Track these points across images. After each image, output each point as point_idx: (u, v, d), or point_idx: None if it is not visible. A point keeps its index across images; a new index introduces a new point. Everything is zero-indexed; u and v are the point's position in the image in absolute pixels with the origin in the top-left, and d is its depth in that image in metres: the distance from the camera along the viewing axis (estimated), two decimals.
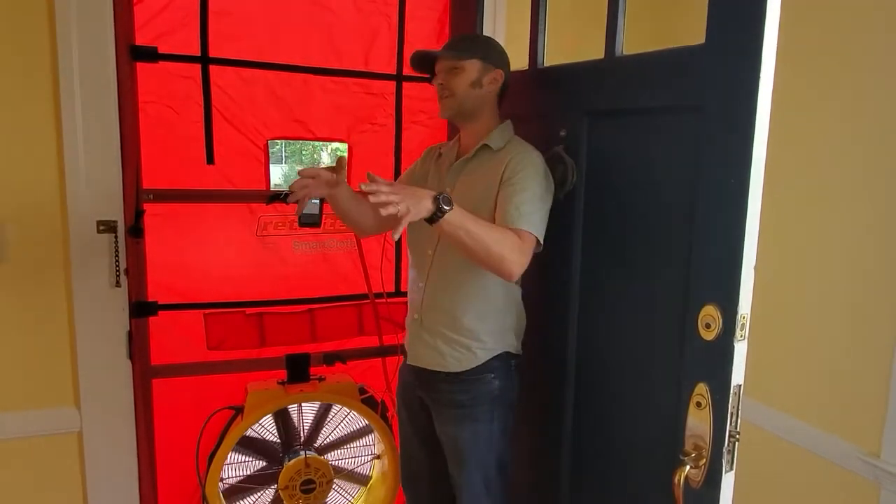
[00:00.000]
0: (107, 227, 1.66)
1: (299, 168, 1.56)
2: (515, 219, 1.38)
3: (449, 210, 1.26)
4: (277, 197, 1.86)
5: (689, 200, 1.25)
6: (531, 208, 1.40)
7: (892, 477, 1.48)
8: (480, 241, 1.32)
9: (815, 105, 1.69)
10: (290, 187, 1.49)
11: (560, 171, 1.54)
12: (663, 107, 1.34)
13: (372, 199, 1.19)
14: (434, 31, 2.02)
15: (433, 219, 1.26)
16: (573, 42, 1.79)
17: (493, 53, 1.55)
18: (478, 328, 1.52)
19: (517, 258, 1.35)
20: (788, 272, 1.76)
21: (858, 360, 1.59)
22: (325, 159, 11.06)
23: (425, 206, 1.24)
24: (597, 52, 1.48)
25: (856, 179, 1.59)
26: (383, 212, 1.20)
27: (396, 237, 1.25)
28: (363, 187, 1.23)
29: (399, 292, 2.11)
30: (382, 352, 2.07)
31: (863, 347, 1.58)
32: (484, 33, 1.98)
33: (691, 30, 1.29)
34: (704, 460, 1.20)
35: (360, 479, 2.15)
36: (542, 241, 1.42)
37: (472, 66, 1.51)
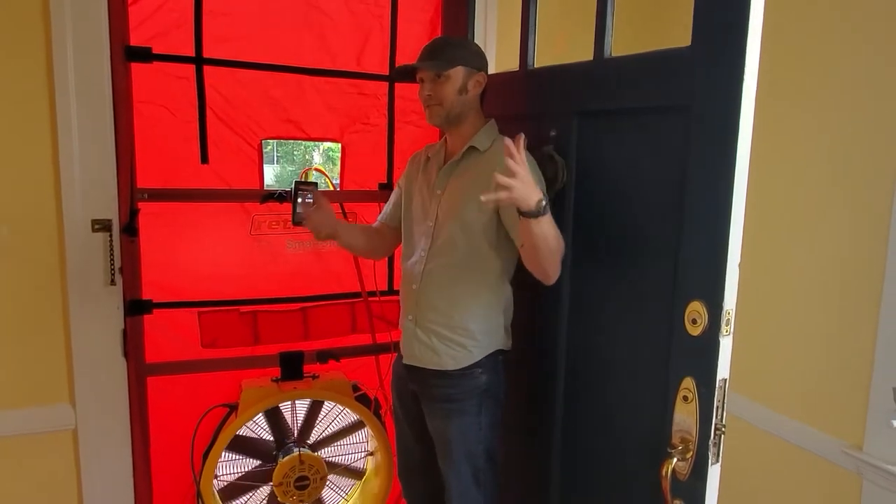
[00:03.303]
0: (102, 226, 1.67)
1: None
2: None
3: (546, 214, 1.30)
4: (271, 196, 1.88)
5: (676, 198, 1.27)
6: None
7: (875, 469, 1.51)
8: (556, 247, 1.37)
9: (799, 105, 1.72)
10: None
11: (551, 171, 1.56)
12: (651, 107, 1.36)
13: (502, 177, 1.22)
14: (426, 32, 2.04)
15: (531, 214, 1.28)
16: (561, 45, 1.82)
17: (474, 57, 1.57)
18: (473, 327, 1.55)
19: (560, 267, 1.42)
20: (772, 270, 1.79)
21: (841, 355, 1.63)
22: (317, 159, 11.08)
23: (533, 200, 1.27)
24: (584, 55, 1.50)
25: (839, 180, 1.63)
26: (499, 195, 1.23)
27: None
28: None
29: (392, 291, 2.13)
30: (375, 349, 2.09)
31: (845, 343, 1.61)
32: (475, 35, 2.00)
33: (679, 33, 1.32)
34: (691, 453, 1.22)
35: (354, 475, 2.17)
36: None
37: (458, 74, 1.54)
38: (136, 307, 1.77)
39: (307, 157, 11.63)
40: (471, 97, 1.56)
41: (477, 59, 1.57)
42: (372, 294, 2.06)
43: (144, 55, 1.70)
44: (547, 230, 1.34)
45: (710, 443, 1.21)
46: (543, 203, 1.29)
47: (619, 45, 1.47)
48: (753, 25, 1.12)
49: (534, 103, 1.69)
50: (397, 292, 2.12)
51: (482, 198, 1.25)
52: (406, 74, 1.60)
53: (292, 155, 12.20)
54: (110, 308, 1.71)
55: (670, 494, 1.23)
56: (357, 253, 1.87)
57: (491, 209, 1.50)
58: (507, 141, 1.25)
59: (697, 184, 1.22)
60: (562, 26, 1.97)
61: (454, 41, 1.66)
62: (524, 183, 1.25)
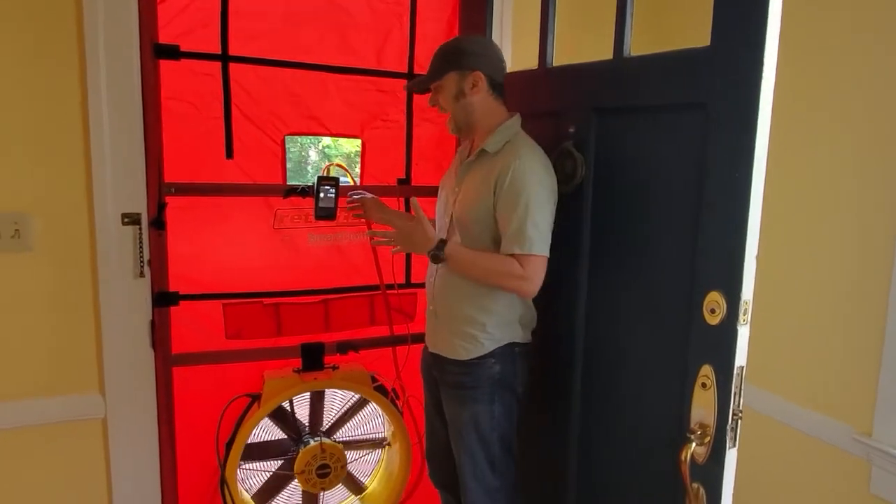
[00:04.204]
0: (131, 219, 1.70)
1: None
2: (516, 246, 1.48)
3: (442, 260, 1.55)
4: (294, 191, 1.92)
5: (694, 193, 1.32)
6: (529, 228, 1.47)
7: (884, 454, 1.57)
8: (482, 278, 1.55)
9: (813, 104, 1.76)
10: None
11: (569, 166, 1.61)
12: (669, 105, 1.41)
13: (373, 242, 1.69)
14: (443, 30, 2.08)
15: (434, 260, 1.57)
16: (570, 46, 1.86)
17: (464, 59, 1.56)
18: (485, 320, 1.59)
19: (522, 284, 1.49)
20: (784, 262, 1.83)
21: (850, 345, 1.67)
22: (313, 156, 11.09)
23: (419, 250, 1.59)
24: (589, 56, 1.56)
25: (850, 175, 1.67)
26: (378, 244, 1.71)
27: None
28: (372, 243, 1.75)
29: (409, 283, 2.18)
30: (393, 341, 2.13)
31: (855, 333, 1.66)
32: (492, 33, 2.04)
33: (680, 36, 1.37)
34: (709, 438, 1.27)
35: (372, 464, 2.22)
36: (547, 252, 1.50)
37: (450, 81, 1.58)
38: (163, 299, 1.80)
39: (303, 153, 11.63)
40: (475, 99, 1.57)
41: (468, 60, 1.56)
42: (390, 287, 2.10)
43: (173, 53, 1.73)
44: (466, 270, 1.56)
45: (727, 428, 1.25)
46: (435, 251, 1.55)
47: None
48: (772, 26, 1.17)
49: (553, 100, 1.73)
50: (414, 285, 2.17)
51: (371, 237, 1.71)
52: (420, 90, 1.70)
53: (288, 152, 12.19)
54: (139, 300, 1.75)
55: (689, 478, 1.28)
56: None
57: (490, 211, 1.54)
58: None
59: (717, 179, 1.26)
60: (567, 30, 2.01)
61: (444, 48, 1.63)
62: (402, 236, 1.60)
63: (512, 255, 1.49)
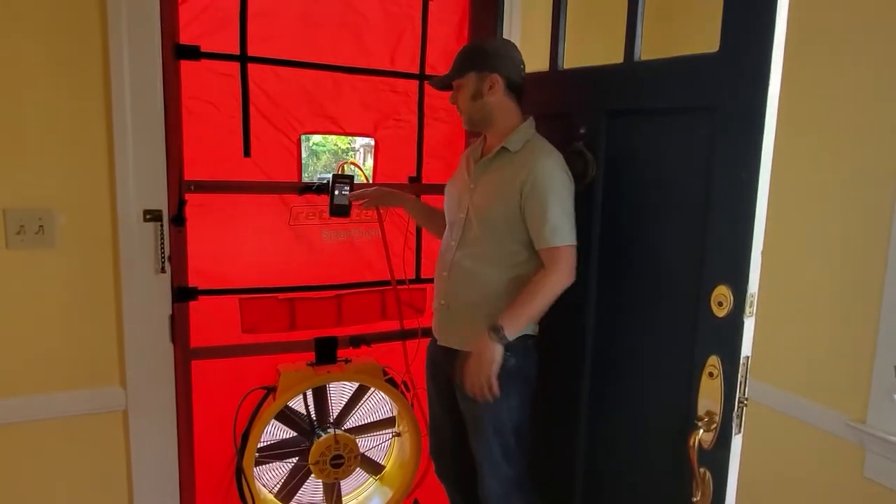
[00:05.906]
0: (152, 216, 1.74)
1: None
2: (551, 239, 1.56)
3: (507, 337, 1.55)
4: (310, 188, 1.96)
5: (702, 191, 1.38)
6: (560, 221, 1.56)
7: (877, 440, 1.64)
8: (540, 308, 1.57)
9: (818, 105, 1.82)
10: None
11: (581, 165, 1.67)
12: (679, 107, 1.47)
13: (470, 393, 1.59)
14: (454, 32, 2.13)
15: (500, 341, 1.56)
16: (577, 50, 1.91)
17: (484, 61, 1.63)
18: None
19: (564, 280, 1.57)
20: (783, 256, 1.90)
21: (845, 335, 1.75)
22: (303, 153, 11.07)
23: (496, 361, 1.56)
24: (596, 59, 1.62)
25: (848, 174, 1.74)
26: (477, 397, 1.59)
27: None
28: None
29: (419, 279, 2.23)
30: (403, 335, 2.18)
31: (849, 324, 1.74)
32: (501, 36, 2.10)
33: (690, 41, 1.43)
34: (716, 425, 1.34)
35: (383, 455, 2.27)
36: (576, 241, 1.58)
37: (468, 81, 1.63)
38: (183, 294, 1.84)
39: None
40: (492, 100, 1.63)
41: (488, 62, 1.62)
42: (401, 282, 2.15)
43: (193, 53, 1.77)
44: (527, 318, 1.59)
45: (733, 415, 1.32)
46: (499, 341, 1.55)
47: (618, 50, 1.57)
48: (779, 32, 1.24)
49: (564, 102, 1.79)
50: (425, 280, 2.22)
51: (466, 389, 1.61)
52: (441, 88, 1.73)
53: None
54: (160, 295, 1.78)
55: (697, 463, 1.34)
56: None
57: (515, 209, 1.60)
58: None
59: (725, 178, 1.32)
60: (575, 33, 2.07)
61: (467, 48, 1.71)
62: (474, 378, 1.57)
63: (548, 249, 1.57)
